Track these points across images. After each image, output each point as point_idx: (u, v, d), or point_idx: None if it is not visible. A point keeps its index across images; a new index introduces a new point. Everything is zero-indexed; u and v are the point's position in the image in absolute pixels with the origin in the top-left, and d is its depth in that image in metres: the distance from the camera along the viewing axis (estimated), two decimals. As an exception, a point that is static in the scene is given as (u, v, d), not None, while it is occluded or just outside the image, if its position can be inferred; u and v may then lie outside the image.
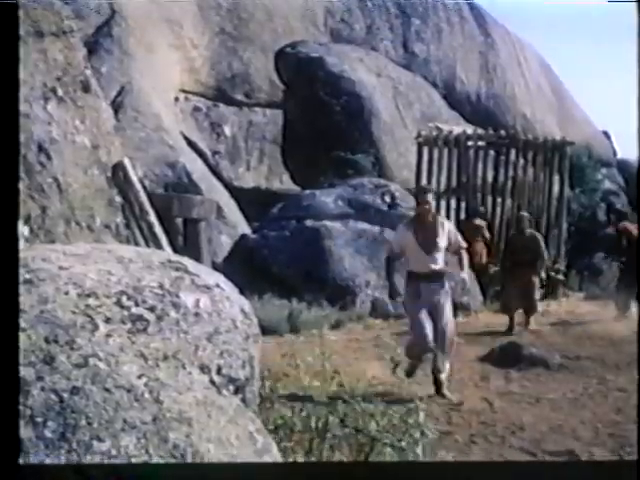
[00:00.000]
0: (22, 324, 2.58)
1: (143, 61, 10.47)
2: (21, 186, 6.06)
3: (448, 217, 11.49)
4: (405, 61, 15.61)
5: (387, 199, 10.53)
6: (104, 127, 7.35)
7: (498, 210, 11.61)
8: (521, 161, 11.80)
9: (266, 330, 5.53)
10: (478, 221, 10.88)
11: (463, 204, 11.53)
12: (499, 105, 17.14)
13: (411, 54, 15.82)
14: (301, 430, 3.86)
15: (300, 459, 3.52)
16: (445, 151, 11.45)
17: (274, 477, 2.70)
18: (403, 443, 3.76)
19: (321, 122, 12.65)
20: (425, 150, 11.49)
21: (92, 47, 10.81)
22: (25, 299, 2.71)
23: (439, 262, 6.58)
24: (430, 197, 6.83)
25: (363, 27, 15.06)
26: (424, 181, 11.46)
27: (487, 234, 10.88)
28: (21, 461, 2.32)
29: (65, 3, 9.11)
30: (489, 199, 11.64)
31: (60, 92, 7.22)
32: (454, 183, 11.54)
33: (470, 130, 12.47)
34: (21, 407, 2.32)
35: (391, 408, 4.15)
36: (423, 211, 6.71)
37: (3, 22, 3.15)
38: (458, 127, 12.95)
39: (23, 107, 6.91)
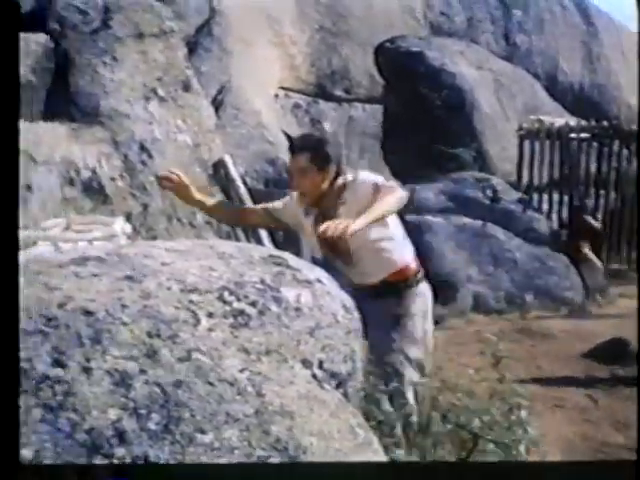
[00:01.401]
0: (125, 319, 2.62)
1: (243, 59, 10.54)
2: (123, 184, 6.17)
3: (550, 211, 11.34)
4: (506, 53, 15.40)
5: (489, 193, 10.44)
6: (205, 125, 7.44)
7: (602, 202, 11.42)
8: (625, 152, 11.60)
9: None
10: (594, 222, 10.59)
11: (566, 197, 11.38)
12: (603, 95, 16.78)
13: (512, 45, 15.60)
14: (403, 426, 3.84)
15: (402, 455, 3.50)
16: (547, 143, 11.32)
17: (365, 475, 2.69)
18: (506, 440, 3.72)
19: (421, 116, 12.57)
20: (527, 143, 11.37)
21: (192, 46, 10.94)
22: (128, 295, 2.75)
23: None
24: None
25: (463, 20, 14.90)
26: (526, 174, 11.32)
27: (600, 239, 10.59)
28: (22, 461, 2.35)
29: (165, 4, 9.25)
30: (592, 191, 11.46)
31: (161, 92, 7.33)
32: (557, 176, 11.40)
33: (573, 122, 12.28)
34: (124, 399, 2.36)
35: (494, 404, 4.11)
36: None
37: (3, 22, 3.19)
38: (560, 119, 12.76)
39: (124, 107, 7.03)
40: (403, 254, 5.27)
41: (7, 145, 3.13)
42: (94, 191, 5.84)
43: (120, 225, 4.90)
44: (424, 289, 5.38)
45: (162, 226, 6.19)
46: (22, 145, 6.37)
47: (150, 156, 6.39)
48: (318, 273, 3.22)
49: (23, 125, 6.39)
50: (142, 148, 6.42)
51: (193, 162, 6.81)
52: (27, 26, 7.60)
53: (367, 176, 5.23)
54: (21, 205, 5.76)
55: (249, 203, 7.34)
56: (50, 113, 6.67)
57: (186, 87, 7.53)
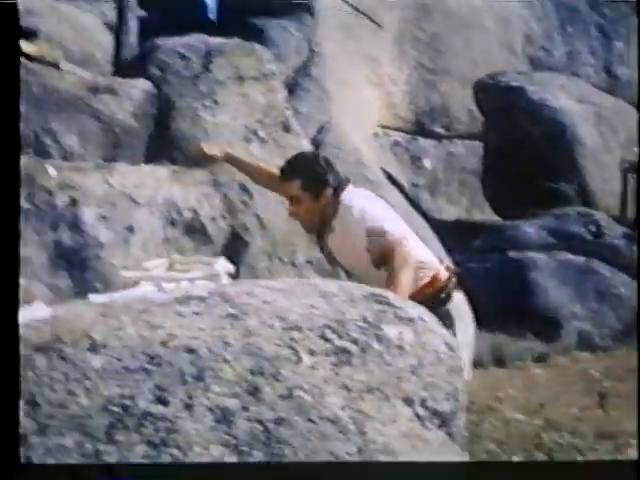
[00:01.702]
0: (227, 356, 2.64)
1: (342, 99, 10.61)
2: (224, 224, 6.24)
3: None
4: (607, 85, 15.16)
5: (592, 228, 10.28)
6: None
7: None
8: None
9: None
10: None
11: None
12: None
13: (614, 77, 15.36)
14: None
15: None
16: (652, 177, 11.10)
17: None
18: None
19: (522, 151, 12.43)
20: (630, 176, 11.16)
21: (292, 88, 11.04)
22: (230, 332, 2.77)
23: None
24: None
25: (563, 53, 14.74)
26: (630, 208, 11.10)
27: None
28: (22, 460, 2.35)
29: (266, 47, 9.37)
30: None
31: (262, 133, 7.40)
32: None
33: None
34: (226, 436, 2.37)
35: (599, 443, 4.02)
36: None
37: (3, 22, 3.22)
38: (665, 151, 12.49)
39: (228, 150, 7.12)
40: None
41: (7, 147, 3.18)
42: (195, 231, 5.91)
43: (222, 264, 4.93)
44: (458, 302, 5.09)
45: (263, 265, 6.22)
46: (125, 187, 6.54)
47: (250, 196, 6.45)
48: (420, 311, 3.21)
49: (126, 168, 6.54)
50: (243, 189, 6.49)
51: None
52: (128, 72, 7.78)
53: (360, 212, 4.86)
54: (123, 246, 5.86)
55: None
56: (152, 156, 6.79)
57: (286, 128, 7.61)
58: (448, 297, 4.99)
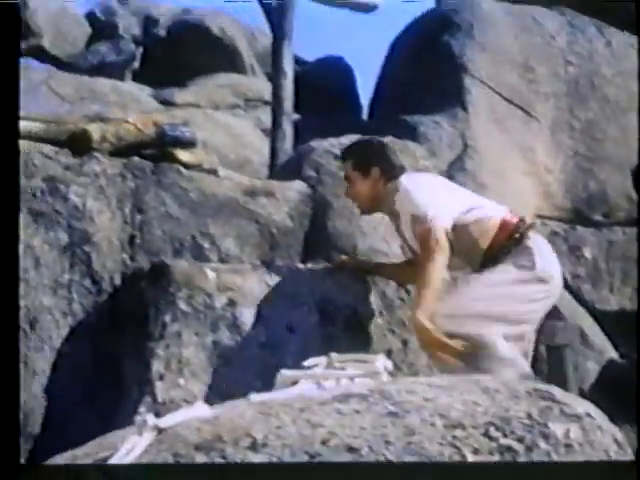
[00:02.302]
0: (389, 456, 2.60)
1: (498, 190, 10.54)
2: (382, 321, 6.23)
3: None
4: None
5: None
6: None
7: None
8: None
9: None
10: None
11: None
12: None
13: None
14: None
15: None
16: None
17: None
18: None
19: (686, 237, 12.03)
20: None
21: (446, 181, 11.04)
22: (391, 431, 2.74)
23: None
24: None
25: None
26: None
27: None
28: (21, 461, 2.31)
29: (419, 143, 9.45)
30: None
31: (418, 228, 7.39)
32: None
33: None
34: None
35: None
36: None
37: (3, 22, 3.24)
38: None
39: (381, 246, 7.16)
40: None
41: (7, 148, 3.20)
42: (354, 329, 5.90)
43: (381, 362, 4.89)
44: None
45: (423, 362, 6.15)
46: (283, 287, 6.60)
47: (408, 292, 6.42)
48: (587, 406, 3.11)
49: (283, 268, 6.62)
50: (400, 285, 6.47)
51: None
52: (284, 175, 7.94)
53: (408, 197, 5.27)
54: (283, 346, 5.89)
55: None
56: (308, 255, 6.87)
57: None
58: (522, 237, 5.24)
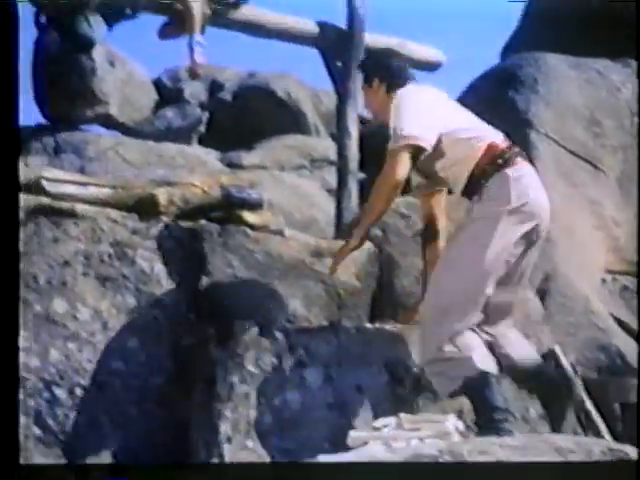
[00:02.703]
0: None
1: (566, 246, 10.40)
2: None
3: None
4: None
5: None
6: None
7: None
8: None
9: None
10: None
11: None
12: None
13: None
14: None
15: None
16: None
17: None
18: None
19: None
20: None
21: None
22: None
23: None
24: None
25: None
26: None
27: None
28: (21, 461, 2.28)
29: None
30: None
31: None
32: None
33: None
34: None
35: None
36: None
37: (3, 22, 3.23)
38: None
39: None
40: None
41: (7, 150, 3.18)
42: (424, 389, 5.83)
43: (452, 422, 4.83)
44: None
45: (494, 421, 6.03)
46: (351, 348, 6.55)
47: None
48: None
49: (351, 328, 6.59)
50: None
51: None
52: (351, 236, 7.92)
53: (394, 110, 5.58)
54: (351, 407, 5.84)
55: (582, 393, 7.05)
56: (376, 315, 6.83)
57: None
58: (506, 162, 5.20)
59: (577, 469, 3.10)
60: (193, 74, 6.92)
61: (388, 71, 5.97)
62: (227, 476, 2.35)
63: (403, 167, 5.24)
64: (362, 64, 6.30)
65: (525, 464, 3.19)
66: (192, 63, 6.81)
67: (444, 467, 3.04)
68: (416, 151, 5.22)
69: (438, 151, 5.42)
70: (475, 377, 5.17)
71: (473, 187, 5.44)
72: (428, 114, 5.49)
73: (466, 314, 5.38)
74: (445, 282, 5.52)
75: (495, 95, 12.77)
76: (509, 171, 5.39)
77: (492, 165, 5.38)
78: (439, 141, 5.43)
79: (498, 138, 5.61)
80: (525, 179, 5.50)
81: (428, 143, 5.35)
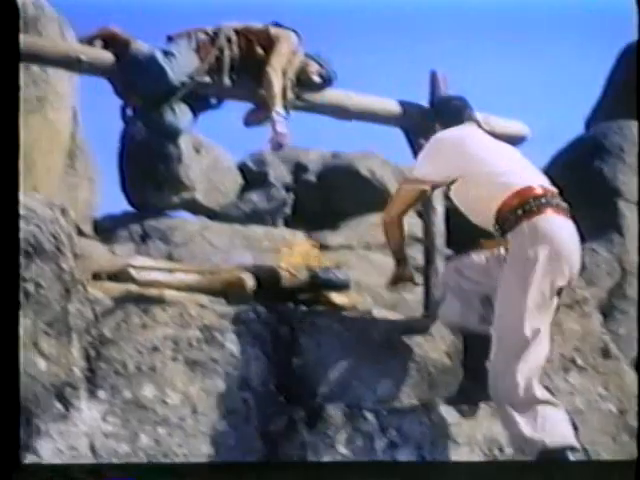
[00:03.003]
0: None
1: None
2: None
3: None
4: None
5: None
6: (629, 390, 7.13)
7: None
8: None
9: None
10: None
11: None
12: None
13: None
14: None
15: None
16: None
17: None
18: None
19: None
20: None
21: (607, 311, 10.74)
22: None
23: None
24: None
25: None
26: None
27: None
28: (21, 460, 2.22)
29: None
30: None
31: (579, 361, 7.22)
32: None
33: None
34: None
35: None
36: None
37: (3, 21, 3.21)
38: None
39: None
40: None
41: (7, 151, 3.14)
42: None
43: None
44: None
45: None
46: (444, 428, 6.44)
47: (576, 428, 6.16)
48: None
49: (442, 408, 6.48)
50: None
51: (620, 430, 6.48)
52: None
53: (422, 150, 6.57)
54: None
55: None
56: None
57: (605, 353, 7.35)
58: (538, 209, 5.05)
59: (578, 469, 3.05)
60: (276, 145, 6.95)
61: (446, 118, 6.33)
62: (229, 476, 2.38)
63: (400, 201, 6.35)
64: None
65: (527, 464, 3.13)
66: (274, 133, 6.85)
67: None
68: (419, 190, 6.09)
69: (456, 187, 5.91)
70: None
71: (501, 227, 5.64)
72: (447, 156, 5.86)
73: None
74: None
75: (581, 164, 12.68)
76: (533, 220, 5.39)
77: (513, 212, 5.47)
78: (454, 180, 5.92)
79: (532, 184, 5.59)
80: (556, 230, 5.40)
81: (430, 183, 6.11)
